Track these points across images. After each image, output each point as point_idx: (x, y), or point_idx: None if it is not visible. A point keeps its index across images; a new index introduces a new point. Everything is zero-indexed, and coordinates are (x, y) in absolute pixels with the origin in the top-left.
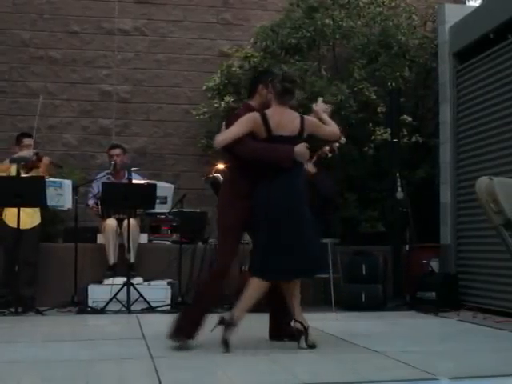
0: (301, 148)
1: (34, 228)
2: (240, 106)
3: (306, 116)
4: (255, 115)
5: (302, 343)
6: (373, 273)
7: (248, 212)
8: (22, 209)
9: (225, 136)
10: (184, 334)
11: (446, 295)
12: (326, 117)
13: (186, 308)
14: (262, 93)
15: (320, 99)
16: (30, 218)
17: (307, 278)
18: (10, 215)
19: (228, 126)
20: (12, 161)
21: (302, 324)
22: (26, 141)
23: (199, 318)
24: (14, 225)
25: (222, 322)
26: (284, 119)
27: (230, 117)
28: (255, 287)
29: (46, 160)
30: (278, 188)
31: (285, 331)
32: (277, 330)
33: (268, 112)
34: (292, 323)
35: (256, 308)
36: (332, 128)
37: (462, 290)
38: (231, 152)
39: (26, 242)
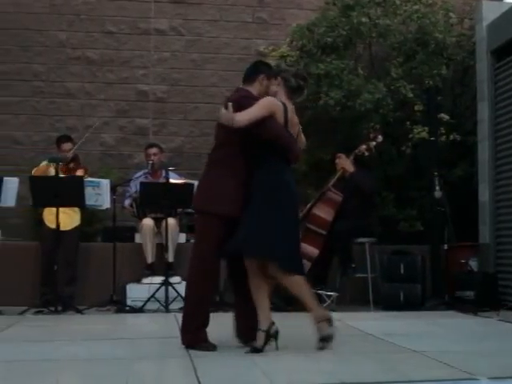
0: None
1: (74, 229)
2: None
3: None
4: (279, 103)
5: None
6: (411, 272)
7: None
8: (61, 210)
9: (249, 116)
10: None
11: (485, 295)
12: None
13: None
14: (262, 82)
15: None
16: (69, 219)
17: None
18: (50, 216)
19: (239, 107)
20: (50, 160)
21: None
22: (65, 146)
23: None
24: (53, 225)
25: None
26: (294, 118)
27: (236, 97)
28: (300, 283)
29: (79, 172)
30: (290, 178)
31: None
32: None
33: (287, 104)
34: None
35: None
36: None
37: (501, 290)
38: (248, 131)
39: (65, 242)
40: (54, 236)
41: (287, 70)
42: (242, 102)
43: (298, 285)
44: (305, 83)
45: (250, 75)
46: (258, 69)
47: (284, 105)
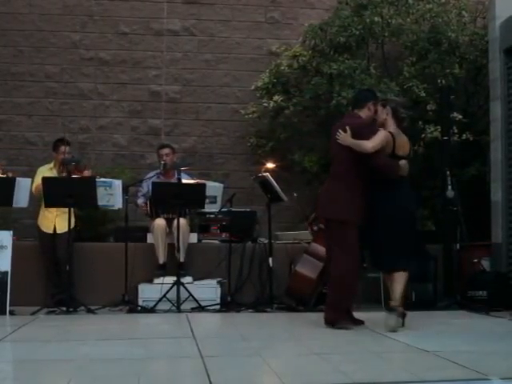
0: (405, 163)
1: (68, 231)
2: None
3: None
4: (388, 134)
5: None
6: (423, 272)
7: (362, 210)
8: (57, 214)
9: (377, 144)
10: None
11: (497, 294)
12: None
13: None
14: (371, 108)
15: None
16: (65, 221)
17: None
18: (45, 220)
19: (358, 133)
20: (62, 162)
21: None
22: (62, 149)
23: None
24: (49, 230)
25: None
26: (401, 141)
27: (359, 126)
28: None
29: (86, 173)
30: (404, 194)
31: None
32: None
33: (394, 133)
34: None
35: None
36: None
37: None
38: (367, 159)
39: (59, 244)
40: (51, 239)
41: (395, 101)
42: (359, 129)
43: None
44: (408, 111)
45: (361, 101)
46: (367, 95)
47: (392, 134)
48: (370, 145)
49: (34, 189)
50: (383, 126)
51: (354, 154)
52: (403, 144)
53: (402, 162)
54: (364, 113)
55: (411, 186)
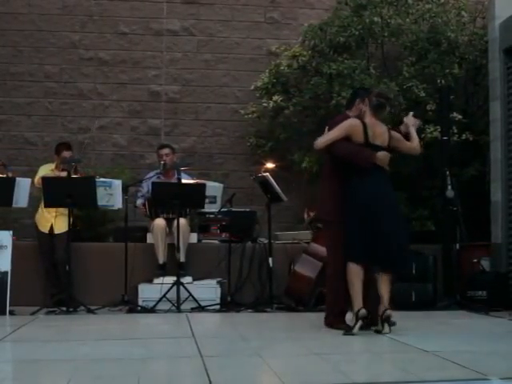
0: (382, 154)
1: (66, 232)
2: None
3: (391, 131)
4: (356, 122)
5: (386, 329)
6: (423, 272)
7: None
8: (55, 214)
9: (325, 139)
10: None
11: (497, 294)
12: (413, 131)
13: None
14: (358, 106)
15: (411, 113)
16: (63, 222)
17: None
18: (42, 220)
19: (329, 129)
20: (64, 162)
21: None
22: (65, 153)
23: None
24: (46, 230)
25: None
26: (377, 130)
27: (330, 122)
28: (350, 271)
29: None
30: (362, 186)
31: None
32: None
33: (367, 121)
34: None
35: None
36: (412, 144)
37: None
38: (328, 152)
39: (57, 244)
40: (49, 239)
41: (374, 92)
42: (331, 126)
43: None
44: (386, 101)
45: (349, 101)
46: (354, 94)
47: (363, 123)
48: (318, 140)
49: (36, 180)
50: (362, 117)
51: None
52: (380, 133)
53: (381, 153)
54: (353, 112)
55: (390, 180)
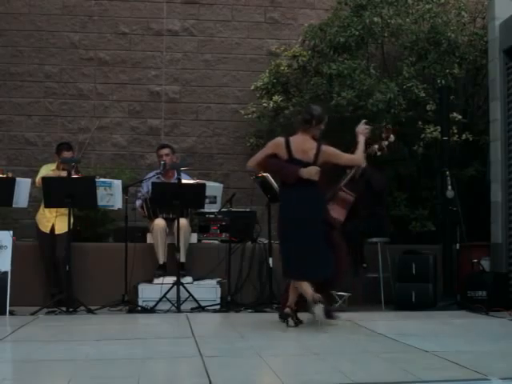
0: (309, 169)
1: (66, 232)
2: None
3: (324, 146)
4: (280, 140)
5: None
6: (423, 272)
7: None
8: (56, 215)
9: (253, 158)
10: None
11: (497, 294)
12: (361, 140)
13: None
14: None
15: (362, 121)
16: (64, 222)
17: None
18: (43, 220)
19: None
20: (63, 161)
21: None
22: (66, 154)
23: None
24: (47, 230)
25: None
26: (303, 146)
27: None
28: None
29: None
30: (286, 200)
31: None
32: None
33: (292, 138)
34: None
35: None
36: (352, 156)
37: None
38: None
39: (58, 244)
40: (50, 239)
41: (304, 108)
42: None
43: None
44: (312, 117)
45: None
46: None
47: (287, 140)
48: (249, 160)
49: (37, 181)
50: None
51: None
52: (306, 149)
53: (308, 168)
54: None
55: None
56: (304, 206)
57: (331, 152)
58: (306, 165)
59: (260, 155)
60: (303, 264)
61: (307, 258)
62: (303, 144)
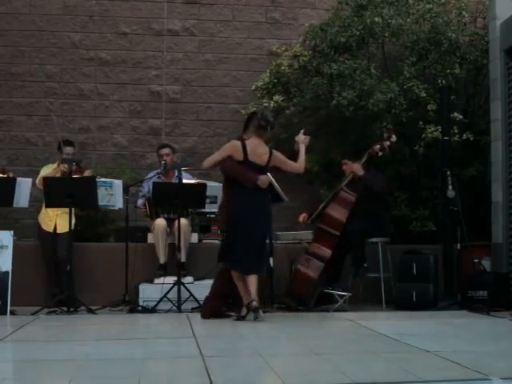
0: (264, 177)
1: (68, 231)
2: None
3: (274, 152)
4: (236, 143)
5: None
6: (424, 272)
7: None
8: (57, 213)
9: (210, 158)
10: None
11: (497, 294)
12: (302, 149)
13: None
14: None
15: (301, 131)
16: (66, 221)
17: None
18: (46, 219)
19: None
20: (63, 161)
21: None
22: (68, 149)
23: None
24: (50, 229)
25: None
26: (258, 150)
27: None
28: (234, 275)
29: (87, 173)
30: (242, 202)
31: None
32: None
33: (247, 142)
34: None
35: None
36: (297, 164)
37: None
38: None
39: (60, 244)
40: (51, 238)
41: (257, 114)
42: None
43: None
44: (266, 123)
45: (244, 125)
46: (248, 119)
47: (243, 143)
48: (205, 160)
49: (37, 181)
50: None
51: None
52: (260, 153)
53: (262, 177)
54: (247, 135)
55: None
56: (256, 208)
57: (280, 158)
58: (259, 167)
59: (217, 157)
60: (253, 259)
61: (256, 253)
62: (258, 148)
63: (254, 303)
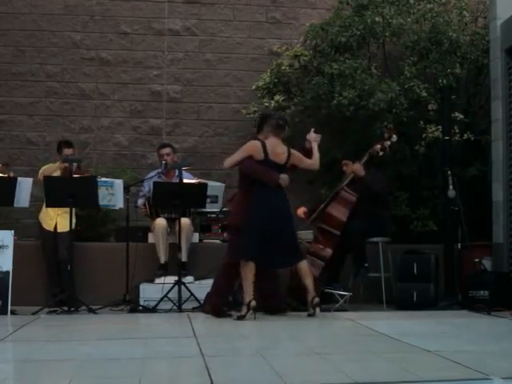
0: (284, 176)
1: (69, 231)
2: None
3: (292, 150)
4: (256, 143)
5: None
6: (424, 272)
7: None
8: (58, 213)
9: (231, 159)
10: None
11: (498, 294)
12: (315, 147)
13: None
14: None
15: (312, 130)
16: (66, 221)
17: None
18: (47, 218)
19: None
20: (65, 160)
21: None
22: (66, 151)
23: None
24: (50, 228)
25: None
26: (277, 149)
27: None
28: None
29: (87, 174)
30: (264, 201)
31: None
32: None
33: (266, 141)
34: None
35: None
36: (312, 161)
37: None
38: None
39: (60, 244)
40: (52, 237)
41: (274, 115)
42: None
43: None
44: (284, 122)
45: (258, 126)
46: (262, 121)
47: (263, 143)
48: (226, 160)
49: (38, 176)
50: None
51: None
52: (279, 153)
53: (283, 176)
54: (262, 135)
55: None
56: (280, 206)
57: (298, 156)
58: (279, 166)
59: (237, 157)
60: (275, 254)
61: (281, 250)
62: (277, 147)
63: (317, 299)
